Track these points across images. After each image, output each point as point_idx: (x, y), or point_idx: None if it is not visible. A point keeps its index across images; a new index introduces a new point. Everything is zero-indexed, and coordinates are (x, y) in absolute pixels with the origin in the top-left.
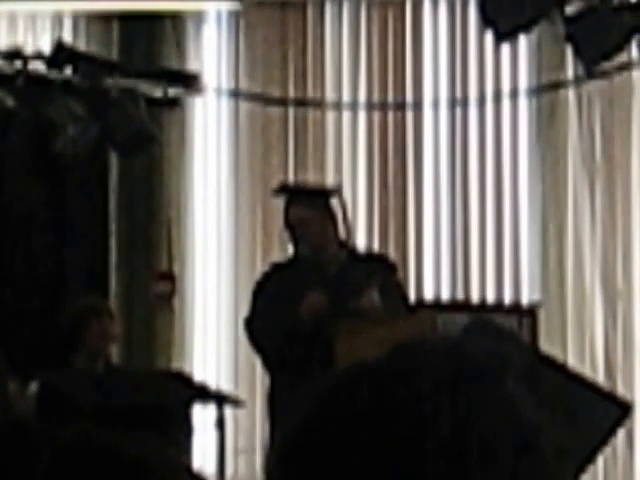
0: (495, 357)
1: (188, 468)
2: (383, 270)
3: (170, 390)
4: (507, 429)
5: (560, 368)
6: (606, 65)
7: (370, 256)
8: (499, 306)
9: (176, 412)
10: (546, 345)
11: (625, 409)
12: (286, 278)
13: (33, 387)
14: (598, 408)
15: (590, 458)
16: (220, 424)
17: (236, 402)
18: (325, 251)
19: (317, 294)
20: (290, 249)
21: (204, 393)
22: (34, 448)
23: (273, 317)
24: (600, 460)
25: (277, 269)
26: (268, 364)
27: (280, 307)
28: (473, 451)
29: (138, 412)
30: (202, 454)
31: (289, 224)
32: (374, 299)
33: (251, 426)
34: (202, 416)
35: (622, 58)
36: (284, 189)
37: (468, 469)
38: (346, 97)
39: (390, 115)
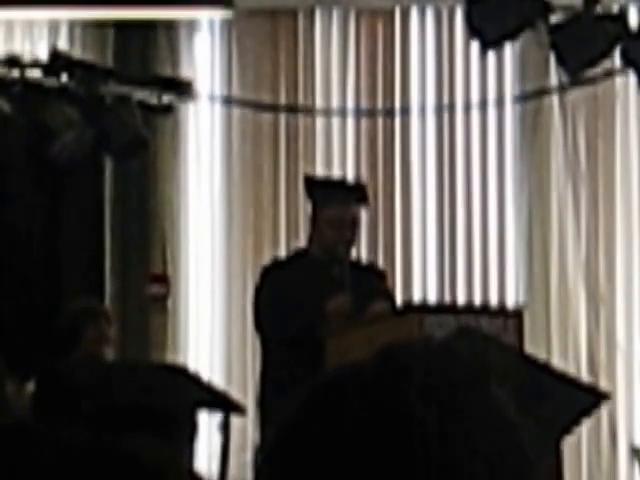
0: (480, 359)
1: (190, 471)
2: (374, 279)
3: (177, 392)
4: (491, 430)
5: (543, 367)
6: (589, 73)
7: (362, 265)
8: (485, 308)
9: (181, 413)
10: (531, 346)
11: (599, 396)
12: (297, 272)
13: (30, 387)
14: (572, 396)
15: (558, 438)
16: (225, 427)
17: (240, 409)
18: (336, 250)
19: (344, 295)
20: (280, 251)
21: (211, 397)
22: (33, 449)
23: (283, 306)
24: (584, 459)
25: (285, 263)
26: (269, 341)
27: (292, 300)
28: (458, 452)
29: (140, 413)
30: (207, 455)
31: (331, 220)
32: (385, 306)
33: (242, 428)
34: (207, 417)
35: (605, 66)
36: (317, 183)
37: (453, 469)
38: (335, 103)
39: (379, 121)
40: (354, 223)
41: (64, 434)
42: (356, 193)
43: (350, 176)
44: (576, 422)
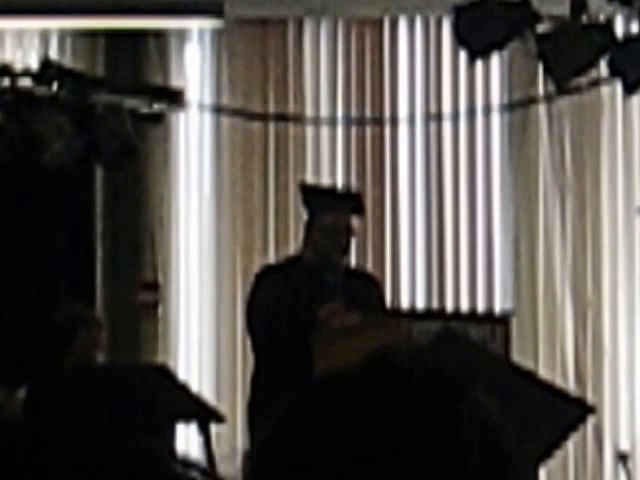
0: (465, 365)
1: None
2: (371, 288)
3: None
4: (477, 434)
5: (526, 374)
6: (576, 82)
7: (357, 272)
8: (473, 315)
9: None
10: (518, 353)
11: (585, 409)
12: (290, 278)
13: (21, 393)
14: (558, 409)
15: (547, 453)
16: (204, 428)
17: (219, 417)
18: (330, 257)
19: (338, 303)
20: (269, 258)
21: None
22: (24, 449)
23: (275, 311)
24: (570, 462)
25: (279, 268)
26: (260, 347)
27: (284, 305)
28: (445, 455)
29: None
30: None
31: (326, 228)
32: (357, 318)
33: (232, 433)
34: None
35: (591, 75)
36: (313, 191)
37: (439, 471)
38: (325, 112)
39: (367, 130)
40: (348, 231)
41: (52, 434)
42: (352, 202)
43: (339, 184)
44: (564, 437)
